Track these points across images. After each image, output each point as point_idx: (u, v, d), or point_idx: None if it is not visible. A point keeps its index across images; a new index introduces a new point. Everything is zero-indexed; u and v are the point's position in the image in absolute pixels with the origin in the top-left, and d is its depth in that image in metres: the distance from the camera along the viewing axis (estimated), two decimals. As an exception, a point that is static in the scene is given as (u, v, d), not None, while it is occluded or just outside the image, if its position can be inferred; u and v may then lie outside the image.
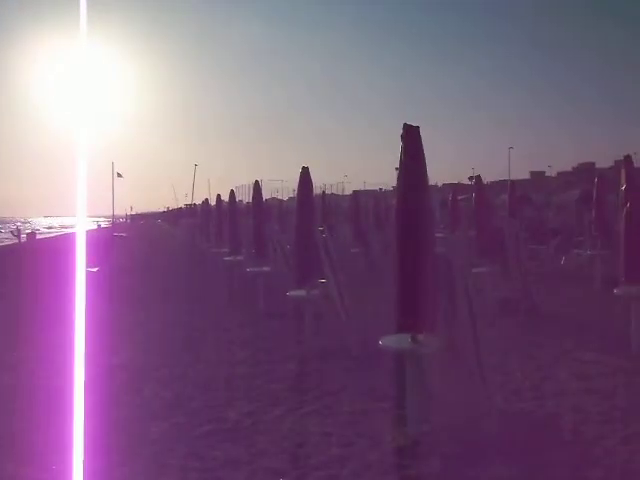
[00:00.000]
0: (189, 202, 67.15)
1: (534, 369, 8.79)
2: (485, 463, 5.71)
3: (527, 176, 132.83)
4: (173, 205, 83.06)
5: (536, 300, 12.98)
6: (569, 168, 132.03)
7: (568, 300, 14.51)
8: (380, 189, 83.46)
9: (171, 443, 6.37)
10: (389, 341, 6.52)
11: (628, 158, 9.79)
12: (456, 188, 26.38)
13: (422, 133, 6.20)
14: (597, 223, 16.73)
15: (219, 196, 23.67)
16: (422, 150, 6.19)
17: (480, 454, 5.87)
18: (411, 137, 6.15)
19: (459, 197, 26.26)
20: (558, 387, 7.96)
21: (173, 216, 68.29)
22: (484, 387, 6.00)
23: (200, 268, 23.23)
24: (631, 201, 9.37)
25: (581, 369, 8.72)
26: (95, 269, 12.84)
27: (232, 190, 19.30)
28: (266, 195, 44.93)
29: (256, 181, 15.31)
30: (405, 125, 6.16)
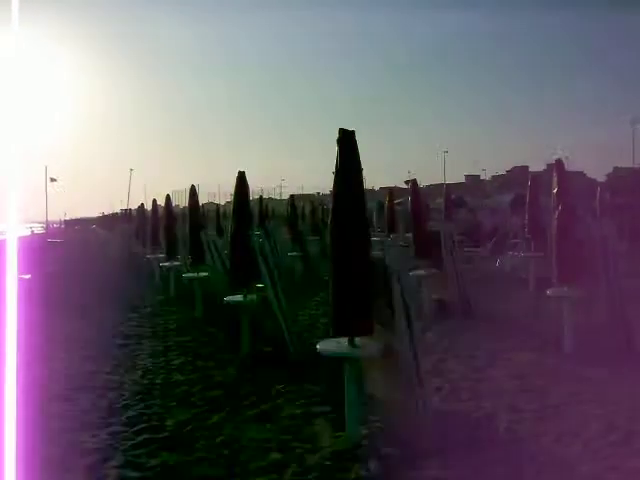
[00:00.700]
0: (125, 207, 66.48)
1: (470, 370, 8.90)
2: (424, 464, 5.76)
3: (463, 179, 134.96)
4: (108, 210, 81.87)
5: (472, 302, 13.16)
6: (503, 171, 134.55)
7: (503, 301, 14.73)
8: (317, 193, 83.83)
9: (107, 453, 6.27)
10: (327, 345, 6.53)
11: (559, 162, 9.96)
12: (392, 192, 26.55)
13: (358, 137, 6.23)
14: (530, 225, 17.04)
15: (155, 201, 23.46)
16: (357, 154, 6.21)
17: (419, 455, 5.92)
18: (347, 141, 6.18)
19: (395, 201, 26.51)
20: (494, 387, 8.07)
21: (109, 221, 67.36)
22: (421, 389, 6.04)
23: (136, 274, 22.98)
24: (563, 204, 9.56)
25: (516, 369, 8.87)
26: (27, 276, 12.55)
27: (168, 195, 19.13)
28: (203, 200, 44.72)
29: (192, 186, 15.16)
30: (341, 130, 6.18)
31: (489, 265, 19.95)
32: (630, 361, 8.96)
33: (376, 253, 6.30)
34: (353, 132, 6.21)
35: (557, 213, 9.62)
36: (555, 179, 9.79)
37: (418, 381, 6.02)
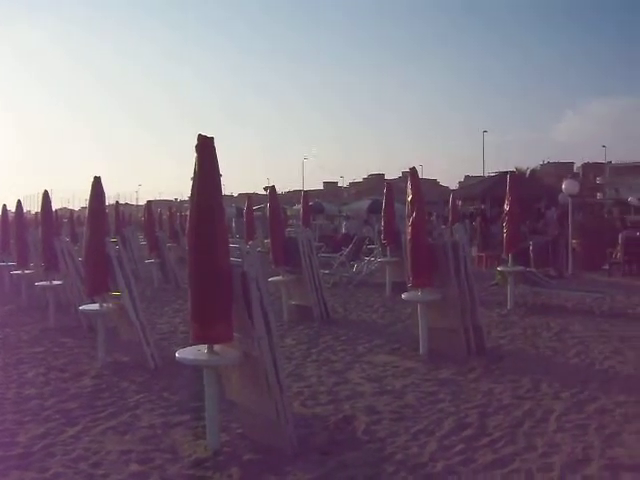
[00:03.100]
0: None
1: (329, 373, 9.03)
2: (285, 468, 5.81)
3: (321, 186, 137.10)
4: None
5: (330, 307, 13.37)
6: (360, 179, 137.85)
7: (361, 306, 15.05)
8: (176, 199, 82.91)
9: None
10: (185, 353, 6.46)
11: (413, 170, 10.24)
12: (250, 198, 26.58)
13: (221, 143, 6.21)
14: (386, 231, 17.46)
15: (5, 206, 22.47)
16: (216, 160, 6.19)
17: (280, 460, 5.97)
18: (205, 147, 6.14)
19: (254, 207, 26.59)
20: (352, 390, 8.22)
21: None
22: (281, 394, 6.08)
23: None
24: (416, 211, 9.84)
25: (374, 372, 9.08)
26: None
27: (19, 200, 18.36)
28: (56, 205, 43.31)
29: (45, 191, 14.57)
30: (199, 136, 6.14)
31: (347, 270, 20.27)
32: (479, 360, 9.39)
33: (234, 259, 6.28)
34: (212, 138, 6.18)
35: (411, 220, 9.89)
36: (409, 187, 10.06)
37: (278, 386, 6.05)
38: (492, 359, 9.54)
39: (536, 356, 9.88)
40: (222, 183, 6.49)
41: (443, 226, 21.42)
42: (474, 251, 25.14)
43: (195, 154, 6.16)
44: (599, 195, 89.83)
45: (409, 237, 9.98)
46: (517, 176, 16.30)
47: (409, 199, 10.01)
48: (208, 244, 6.03)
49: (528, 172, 60.82)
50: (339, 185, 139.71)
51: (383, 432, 6.72)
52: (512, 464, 5.84)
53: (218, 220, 6.14)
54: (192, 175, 6.19)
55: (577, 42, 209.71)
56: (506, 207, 14.48)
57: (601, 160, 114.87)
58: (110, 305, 9.86)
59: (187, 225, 6.36)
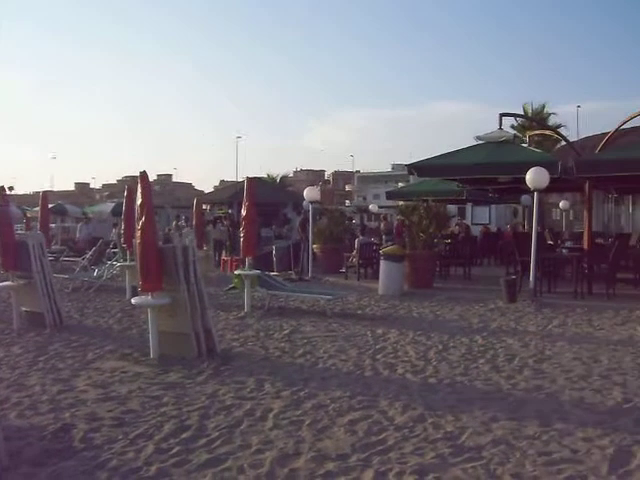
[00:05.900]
0: None
1: (54, 382, 8.74)
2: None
3: (72, 187, 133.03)
4: None
5: (63, 313, 12.98)
6: (114, 180, 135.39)
7: (98, 311, 14.76)
8: None
9: None
10: None
11: (143, 174, 10.04)
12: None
13: None
14: (126, 235, 17.22)
15: None
16: None
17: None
18: None
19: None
20: (76, 397, 8.02)
21: None
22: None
23: None
24: (146, 215, 9.73)
25: (101, 378, 8.90)
26: None
27: None
28: None
29: None
30: None
31: (89, 275, 19.79)
32: (209, 363, 9.57)
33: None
34: None
35: (140, 223, 9.78)
36: (139, 191, 9.94)
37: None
38: (222, 361, 9.71)
39: (265, 357, 10.17)
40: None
41: (188, 230, 21.53)
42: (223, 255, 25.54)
43: None
44: (348, 202, 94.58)
45: (138, 241, 9.89)
46: (254, 180, 16.63)
47: (139, 203, 9.90)
48: None
49: (279, 178, 62.57)
50: (92, 187, 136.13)
51: (101, 439, 6.61)
52: (225, 463, 5.97)
53: None
54: None
55: (329, 53, 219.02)
56: (243, 212, 14.74)
57: (350, 169, 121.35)
58: None
59: None
